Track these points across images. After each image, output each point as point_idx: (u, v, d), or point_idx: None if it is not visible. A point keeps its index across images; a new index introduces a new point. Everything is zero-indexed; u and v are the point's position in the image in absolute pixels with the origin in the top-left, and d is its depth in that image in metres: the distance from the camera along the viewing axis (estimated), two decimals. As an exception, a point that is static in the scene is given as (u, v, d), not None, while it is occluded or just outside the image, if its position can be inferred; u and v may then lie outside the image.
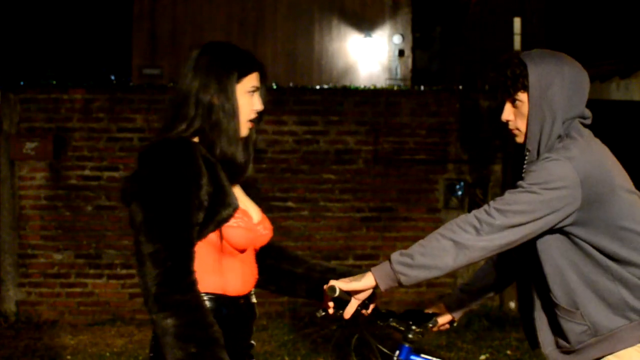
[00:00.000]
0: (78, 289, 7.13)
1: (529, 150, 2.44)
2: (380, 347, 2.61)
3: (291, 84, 7.77)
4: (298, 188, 7.26)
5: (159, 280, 2.04)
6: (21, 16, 17.28)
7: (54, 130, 7.11)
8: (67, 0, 17.53)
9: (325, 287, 2.37)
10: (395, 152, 7.33)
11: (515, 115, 2.48)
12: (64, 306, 7.12)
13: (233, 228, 2.21)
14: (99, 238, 7.12)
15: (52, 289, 7.12)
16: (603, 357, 2.44)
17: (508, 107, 2.50)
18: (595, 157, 2.40)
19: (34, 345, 6.30)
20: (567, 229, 2.37)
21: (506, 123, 2.52)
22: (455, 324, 3.05)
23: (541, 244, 2.42)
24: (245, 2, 13.05)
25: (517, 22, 7.63)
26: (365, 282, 2.38)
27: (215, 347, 2.06)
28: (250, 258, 2.36)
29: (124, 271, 7.12)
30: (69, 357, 6.00)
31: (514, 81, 2.43)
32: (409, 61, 13.37)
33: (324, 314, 2.46)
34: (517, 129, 2.49)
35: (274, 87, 7.49)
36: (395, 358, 2.61)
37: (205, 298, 2.18)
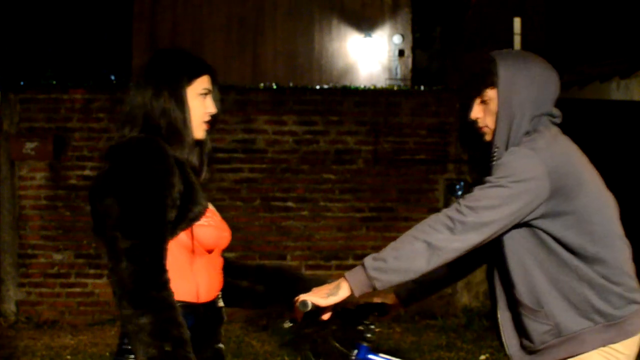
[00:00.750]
0: (78, 289, 7.13)
1: (497, 148, 2.43)
2: (339, 346, 2.60)
3: (291, 84, 7.77)
4: (298, 188, 7.26)
5: (135, 277, 2.02)
6: (21, 16, 17.28)
7: (54, 130, 7.11)
8: (67, 0, 17.53)
9: (296, 302, 2.36)
10: (395, 152, 7.33)
11: (484, 113, 2.48)
12: (64, 306, 7.12)
13: (204, 227, 2.21)
14: (99, 238, 7.11)
15: (52, 289, 7.12)
16: (566, 359, 2.41)
17: (477, 104, 2.50)
18: (562, 150, 2.39)
19: (34, 345, 6.30)
20: (536, 222, 2.35)
21: (475, 121, 2.52)
22: (402, 314, 3.07)
23: (507, 240, 2.40)
24: (245, 2, 13.04)
25: (517, 22, 7.63)
26: (342, 294, 2.37)
27: (187, 346, 2.05)
28: (217, 260, 2.35)
29: (124, 271, 7.11)
30: (69, 357, 6.00)
31: (483, 78, 2.44)
32: (409, 61, 13.36)
33: (291, 324, 2.47)
34: (486, 126, 2.49)
35: (274, 87, 7.49)
36: (353, 357, 2.60)
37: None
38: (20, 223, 7.13)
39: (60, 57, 17.53)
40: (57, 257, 7.12)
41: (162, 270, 2.07)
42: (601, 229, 2.37)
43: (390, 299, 2.84)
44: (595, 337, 2.39)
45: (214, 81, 2.33)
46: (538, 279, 2.38)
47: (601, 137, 6.76)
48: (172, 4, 13.04)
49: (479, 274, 7.28)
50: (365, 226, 7.28)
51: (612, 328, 2.39)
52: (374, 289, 2.35)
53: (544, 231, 2.36)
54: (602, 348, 2.39)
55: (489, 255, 2.52)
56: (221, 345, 2.36)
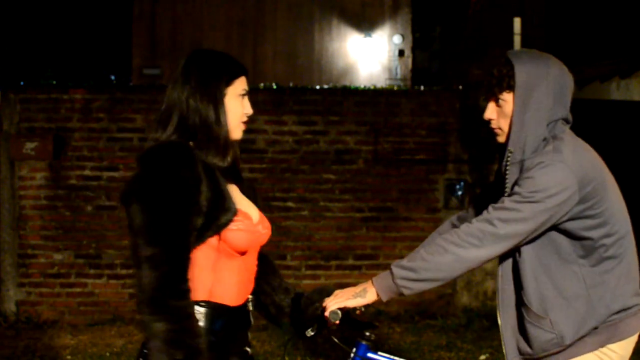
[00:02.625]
0: (78, 289, 7.13)
1: (511, 152, 2.43)
2: (340, 343, 2.60)
3: (291, 84, 7.77)
4: (298, 188, 7.26)
5: (155, 284, 2.03)
6: (21, 16, 17.28)
7: (53, 130, 7.11)
8: (68, 0, 17.53)
9: (326, 315, 2.43)
10: (395, 152, 7.33)
11: (498, 115, 2.48)
12: (64, 306, 7.12)
13: (233, 231, 2.20)
14: (99, 238, 7.12)
15: (52, 289, 7.12)
16: None
17: (491, 105, 2.49)
18: (587, 156, 2.41)
19: (34, 345, 6.30)
20: (559, 225, 2.36)
21: (488, 122, 2.52)
22: (402, 314, 3.11)
23: (524, 246, 2.41)
24: (245, 2, 13.04)
25: (517, 22, 7.61)
26: (369, 297, 2.43)
27: (201, 357, 2.05)
28: (250, 262, 2.35)
29: (124, 271, 7.12)
30: (69, 357, 6.00)
31: (499, 81, 2.43)
32: (409, 61, 13.37)
33: (312, 334, 2.52)
34: (500, 128, 2.49)
35: (274, 87, 7.49)
36: (352, 354, 2.61)
37: (202, 305, 2.18)
38: (20, 223, 7.13)
39: (60, 57, 17.52)
40: (57, 257, 7.12)
41: (183, 279, 2.07)
42: (618, 232, 2.40)
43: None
44: (594, 340, 2.41)
45: (248, 83, 2.36)
46: (548, 287, 2.40)
47: (601, 137, 6.75)
48: (172, 4, 13.04)
49: (479, 274, 7.28)
50: (365, 226, 7.28)
51: (609, 329, 2.40)
52: (401, 295, 2.41)
53: (565, 232, 2.37)
54: (600, 350, 2.41)
55: (503, 258, 2.52)
56: (249, 349, 2.36)
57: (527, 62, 2.41)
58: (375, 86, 8.06)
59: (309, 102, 7.35)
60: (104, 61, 18.76)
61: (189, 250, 2.11)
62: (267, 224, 2.42)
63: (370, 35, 13.05)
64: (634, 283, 2.45)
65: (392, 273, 2.39)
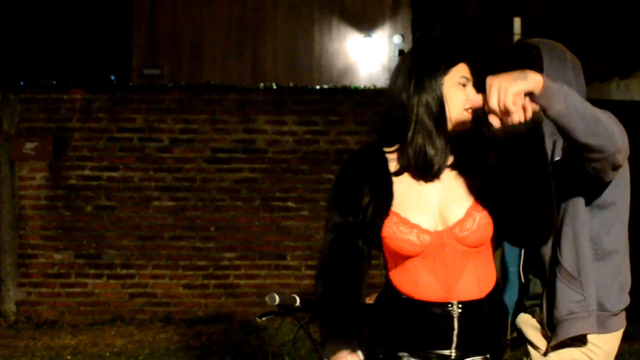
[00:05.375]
0: (78, 289, 7.13)
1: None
2: (314, 338, 2.60)
3: (291, 84, 7.77)
4: (298, 188, 7.26)
5: (319, 255, 2.28)
6: (21, 17, 17.28)
7: (54, 130, 7.11)
8: (67, 0, 17.53)
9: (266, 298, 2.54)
10: (395, 152, 7.32)
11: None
12: (64, 306, 7.12)
13: (388, 238, 2.20)
14: (99, 238, 7.12)
15: (52, 289, 7.12)
16: (581, 336, 2.40)
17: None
18: None
19: (34, 345, 6.30)
20: (601, 195, 2.37)
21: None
22: None
23: (572, 208, 2.40)
24: (245, 2, 13.04)
25: (517, 22, 7.63)
26: (532, 82, 1.95)
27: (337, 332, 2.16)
28: (446, 261, 2.21)
29: (124, 271, 7.12)
30: (69, 357, 6.00)
31: (529, 62, 2.35)
32: (409, 61, 13.35)
33: (263, 318, 2.62)
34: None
35: (274, 87, 7.49)
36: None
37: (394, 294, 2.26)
38: (20, 223, 7.13)
39: (60, 57, 17.53)
40: (57, 257, 7.12)
41: (327, 263, 2.24)
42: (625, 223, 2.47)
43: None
44: (614, 321, 2.43)
45: (472, 71, 2.23)
46: (584, 250, 2.39)
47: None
48: (172, 4, 13.04)
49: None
50: (365, 226, 7.27)
51: (605, 320, 2.41)
52: (545, 110, 2.01)
53: (605, 203, 2.38)
54: (618, 331, 2.44)
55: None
56: (447, 352, 2.22)
57: (549, 45, 2.45)
58: (375, 86, 8.06)
59: (309, 102, 7.35)
60: (104, 61, 18.77)
61: (339, 240, 2.26)
62: (468, 226, 2.21)
63: (370, 35, 13.05)
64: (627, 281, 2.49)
65: (563, 87, 2.05)
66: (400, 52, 13.10)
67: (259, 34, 13.06)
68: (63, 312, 7.12)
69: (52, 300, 7.12)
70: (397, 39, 13.07)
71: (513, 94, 1.92)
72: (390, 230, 2.18)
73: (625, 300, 2.46)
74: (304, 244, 7.23)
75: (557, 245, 2.44)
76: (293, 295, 2.54)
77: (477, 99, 2.09)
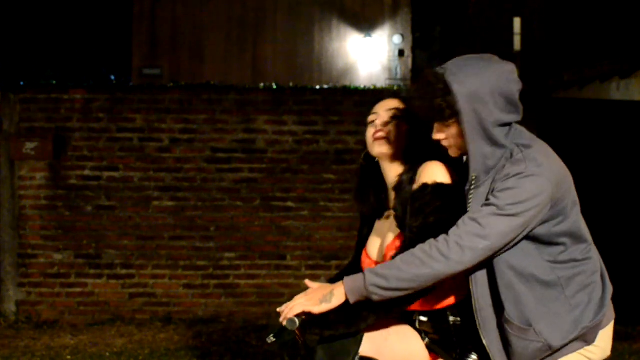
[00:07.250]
0: (78, 289, 7.14)
1: (475, 176, 2.36)
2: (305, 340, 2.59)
3: (291, 84, 7.77)
4: (298, 188, 7.26)
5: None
6: (21, 17, 17.28)
7: (54, 130, 7.11)
8: (67, 0, 17.53)
9: (283, 322, 2.43)
10: (395, 152, 7.32)
11: (447, 135, 2.40)
12: (64, 306, 7.13)
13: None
14: (99, 238, 7.12)
15: (52, 289, 7.12)
16: None
17: (438, 126, 2.41)
18: (555, 160, 2.38)
19: (34, 345, 6.30)
20: (532, 232, 2.33)
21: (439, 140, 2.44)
22: None
23: (497, 261, 2.36)
24: (245, 2, 13.05)
25: (517, 22, 7.63)
26: (336, 301, 2.42)
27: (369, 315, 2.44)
28: None
29: (124, 271, 7.12)
30: (69, 357, 6.00)
31: (441, 112, 2.33)
32: (409, 61, 13.37)
33: (274, 340, 2.51)
34: (451, 145, 2.43)
35: (274, 87, 7.49)
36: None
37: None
38: (20, 223, 7.13)
39: (60, 57, 17.53)
40: (57, 257, 7.12)
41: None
42: (583, 228, 2.41)
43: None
44: (579, 343, 2.40)
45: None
46: (526, 298, 2.34)
47: (601, 137, 6.75)
48: (172, 4, 13.05)
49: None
50: (365, 226, 7.27)
51: (591, 331, 2.40)
52: (370, 300, 2.39)
53: (534, 238, 2.34)
54: (585, 348, 2.42)
55: (476, 278, 2.43)
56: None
57: (464, 78, 2.30)
58: (375, 86, 8.06)
59: (309, 102, 7.35)
60: (104, 61, 18.77)
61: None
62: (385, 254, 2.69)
63: (370, 35, 13.06)
64: (607, 284, 2.45)
65: (365, 278, 2.36)
66: (400, 52, 13.11)
67: (259, 34, 13.07)
68: (63, 312, 7.12)
69: (52, 300, 7.13)
70: (397, 39, 13.07)
71: (316, 312, 2.43)
72: None
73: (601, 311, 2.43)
74: (304, 244, 7.23)
75: (498, 302, 2.39)
76: (302, 317, 2.46)
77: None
